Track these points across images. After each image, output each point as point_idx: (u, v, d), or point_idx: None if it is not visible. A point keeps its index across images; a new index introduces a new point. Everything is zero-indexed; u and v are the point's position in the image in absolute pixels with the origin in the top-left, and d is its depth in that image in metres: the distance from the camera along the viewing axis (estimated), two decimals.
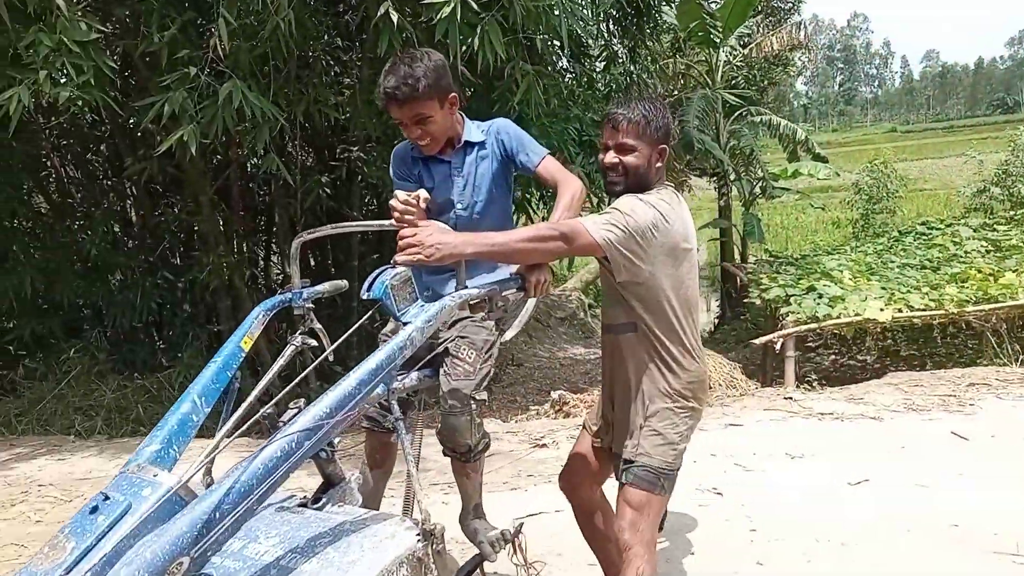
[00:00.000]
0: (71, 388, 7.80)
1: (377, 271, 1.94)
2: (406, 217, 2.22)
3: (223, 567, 1.69)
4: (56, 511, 4.55)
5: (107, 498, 1.55)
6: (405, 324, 1.86)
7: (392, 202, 2.30)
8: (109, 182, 8.32)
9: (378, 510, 2.39)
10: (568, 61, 8.26)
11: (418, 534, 1.70)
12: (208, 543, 1.48)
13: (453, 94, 2.54)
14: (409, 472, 1.80)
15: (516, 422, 7.02)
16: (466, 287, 2.02)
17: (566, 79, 8.29)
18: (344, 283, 2.49)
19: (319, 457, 1.92)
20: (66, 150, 8.14)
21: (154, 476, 1.59)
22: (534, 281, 2.29)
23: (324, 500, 1.95)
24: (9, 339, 8.33)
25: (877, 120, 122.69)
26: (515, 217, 5.31)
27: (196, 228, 7.96)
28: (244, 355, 2.07)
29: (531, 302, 2.58)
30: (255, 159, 7.43)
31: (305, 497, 1.99)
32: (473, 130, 2.68)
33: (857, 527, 3.87)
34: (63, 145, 8.11)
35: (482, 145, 2.67)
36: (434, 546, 1.73)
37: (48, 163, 8.10)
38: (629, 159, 2.39)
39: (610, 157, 2.42)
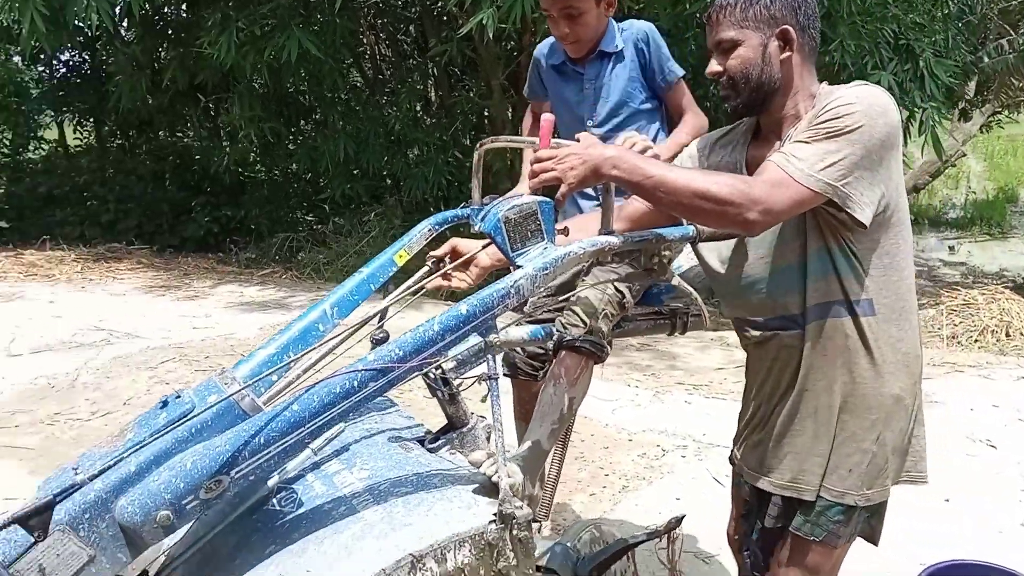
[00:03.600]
0: (369, 246, 8.58)
1: (496, 199, 1.67)
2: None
3: (309, 488, 1.63)
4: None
5: (178, 396, 1.54)
6: (517, 268, 1.59)
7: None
8: (414, 62, 8.76)
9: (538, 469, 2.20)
10: None
11: (495, 515, 1.49)
12: (250, 468, 1.41)
13: None
14: (495, 438, 1.58)
15: None
16: (611, 230, 1.67)
17: None
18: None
19: (439, 395, 1.77)
20: (380, 29, 8.66)
21: (227, 383, 1.55)
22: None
23: (441, 442, 1.81)
24: (323, 197, 9.36)
25: None
26: None
27: (487, 112, 8.14)
28: (396, 269, 1.93)
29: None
30: None
31: (429, 432, 1.86)
32: (614, 36, 2.33)
33: None
34: (378, 24, 8.62)
35: (619, 55, 2.34)
36: (514, 532, 1.51)
37: (364, 40, 8.68)
38: (732, 61, 1.70)
39: (711, 66, 1.75)
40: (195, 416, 1.46)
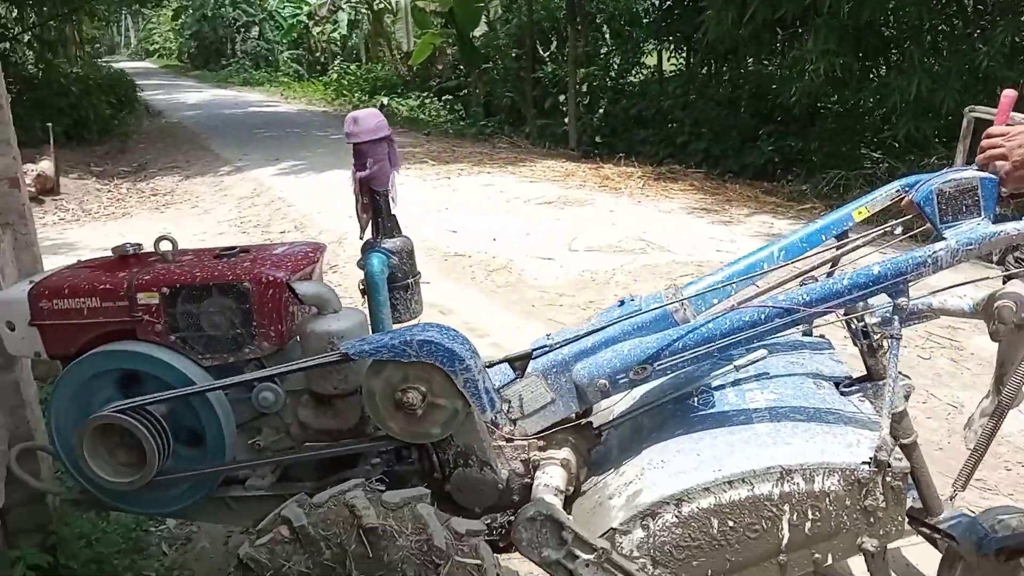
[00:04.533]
0: None
1: (935, 173, 1.63)
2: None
3: (724, 396, 1.95)
4: None
5: (632, 299, 1.97)
6: (943, 239, 1.57)
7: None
8: None
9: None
10: None
11: (871, 458, 1.60)
12: (668, 364, 1.77)
13: None
14: (888, 389, 1.62)
15: None
16: None
17: None
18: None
19: (859, 346, 1.88)
20: None
21: (669, 296, 1.91)
22: None
23: (855, 388, 1.93)
24: (887, 136, 8.90)
25: None
26: None
27: None
28: (851, 224, 2.05)
29: None
30: None
31: (849, 378, 2.00)
32: None
33: None
34: None
35: None
36: (887, 479, 1.60)
37: None
38: None
39: None
40: (638, 316, 1.87)
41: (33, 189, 8.03)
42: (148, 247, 2.17)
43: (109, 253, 2.16)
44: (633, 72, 13.90)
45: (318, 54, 24.84)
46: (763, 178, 9.78)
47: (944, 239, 1.62)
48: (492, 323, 4.63)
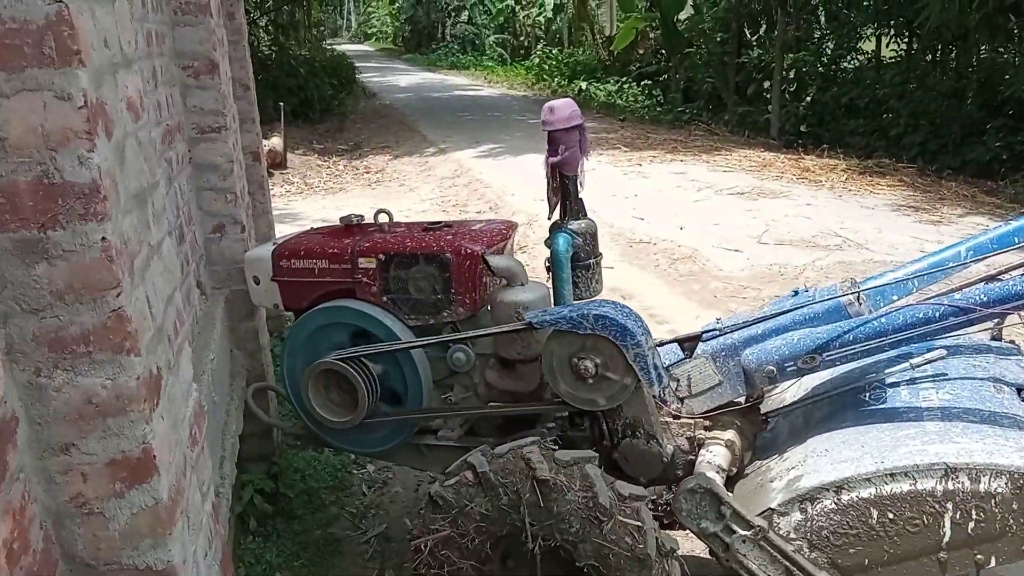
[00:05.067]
0: None
1: None
2: None
3: (897, 393, 1.96)
4: None
5: (807, 290, 2.01)
6: None
7: None
8: None
9: None
10: None
11: None
12: (837, 355, 1.82)
13: None
14: None
15: None
16: None
17: None
18: None
19: None
20: None
21: (844, 290, 1.94)
22: None
23: None
24: None
25: None
26: None
27: None
28: None
29: None
30: None
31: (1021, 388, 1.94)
32: None
33: None
34: None
35: None
36: None
37: None
38: None
39: None
40: (811, 306, 1.92)
41: (266, 163, 8.99)
42: (368, 219, 2.48)
43: (335, 222, 2.50)
44: (847, 58, 13.15)
45: (522, 38, 25.48)
46: (986, 177, 9.00)
47: None
48: (672, 311, 4.69)
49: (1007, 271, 1.89)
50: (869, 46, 13.19)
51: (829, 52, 13.20)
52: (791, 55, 12.57)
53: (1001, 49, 10.94)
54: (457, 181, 8.89)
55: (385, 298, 2.26)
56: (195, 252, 2.56)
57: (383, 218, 2.42)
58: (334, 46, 22.20)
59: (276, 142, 9.54)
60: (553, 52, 21.42)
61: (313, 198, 8.53)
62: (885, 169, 8.73)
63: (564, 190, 2.34)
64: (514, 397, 2.25)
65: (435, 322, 2.25)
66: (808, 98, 12.53)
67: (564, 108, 2.30)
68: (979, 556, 1.67)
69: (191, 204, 2.59)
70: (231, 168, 2.74)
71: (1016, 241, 1.94)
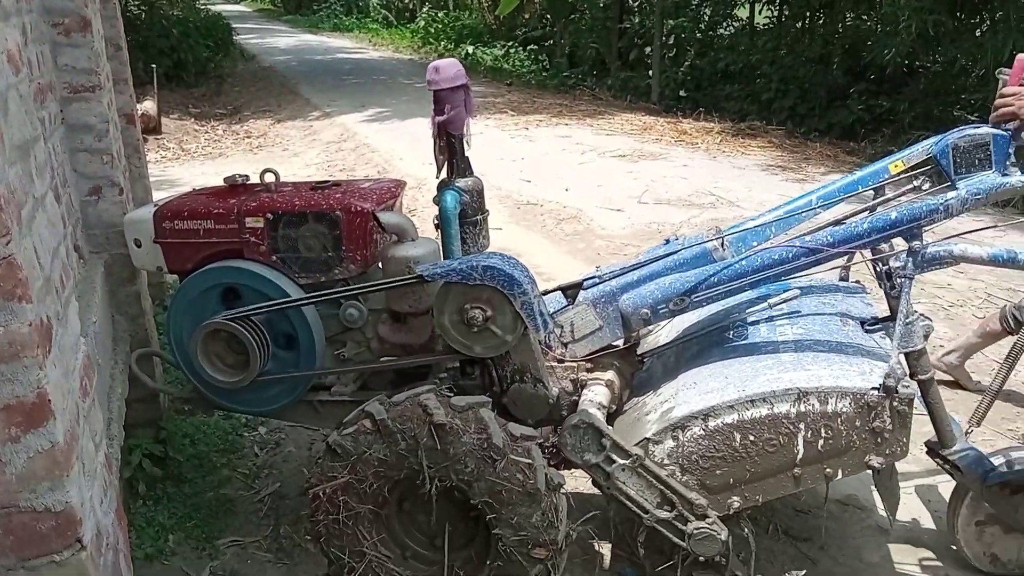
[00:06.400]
0: None
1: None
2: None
3: (757, 330, 2.15)
4: None
5: (677, 238, 2.17)
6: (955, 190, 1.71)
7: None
8: None
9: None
10: None
11: (880, 384, 1.79)
12: (704, 296, 1.98)
13: None
14: (899, 325, 1.78)
15: None
16: None
17: None
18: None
19: (884, 288, 2.05)
20: None
21: (710, 237, 2.11)
22: None
23: (878, 327, 2.10)
24: (981, 96, 8.61)
25: None
26: None
27: None
28: (888, 177, 2.18)
29: None
30: None
31: (875, 318, 2.17)
32: None
33: None
34: None
35: None
36: (894, 404, 1.78)
37: None
38: None
39: None
40: (680, 252, 2.08)
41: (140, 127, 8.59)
42: (254, 180, 2.47)
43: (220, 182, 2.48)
44: (723, 25, 13.62)
45: (407, 0, 25.05)
46: (848, 138, 9.59)
47: (957, 189, 1.77)
48: (558, 268, 4.85)
49: (851, 216, 2.09)
50: (744, 13, 13.66)
51: (706, 19, 13.63)
52: (671, 21, 12.91)
53: (864, 17, 11.57)
54: (344, 146, 8.77)
55: (275, 257, 2.27)
56: (71, 215, 2.49)
57: (269, 177, 2.42)
58: (209, 6, 21.19)
59: (149, 106, 9.10)
60: (439, 16, 21.17)
61: (191, 164, 8.24)
62: (756, 131, 9.18)
63: (451, 149, 2.40)
64: (406, 350, 2.32)
65: (326, 280, 2.29)
66: (686, 64, 12.94)
67: (449, 67, 2.35)
68: (828, 470, 1.87)
69: (65, 166, 2.51)
70: (107, 129, 2.65)
71: (859, 189, 2.14)
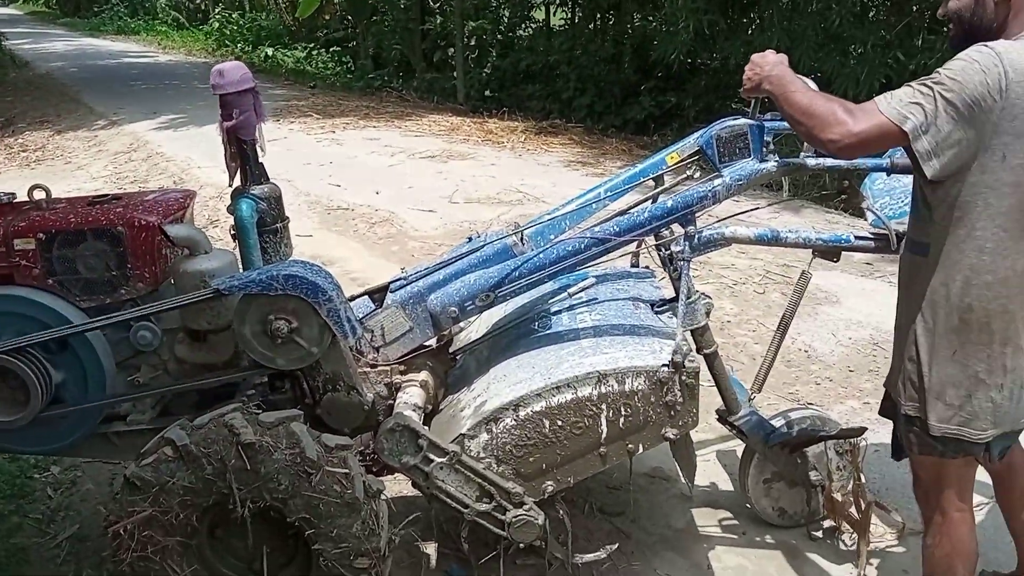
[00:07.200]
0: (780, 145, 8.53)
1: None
2: None
3: (559, 319, 2.25)
4: None
5: (479, 236, 2.22)
6: (719, 177, 1.90)
7: None
8: None
9: None
10: None
11: (669, 361, 1.92)
12: (508, 290, 2.04)
13: None
14: (681, 305, 1.95)
15: None
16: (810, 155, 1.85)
17: None
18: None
19: (668, 272, 2.21)
20: None
21: (506, 233, 2.18)
22: None
23: (666, 308, 2.26)
24: None
25: None
26: None
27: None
28: (666, 168, 2.32)
29: None
30: None
31: (663, 300, 2.32)
32: None
33: None
34: None
35: None
36: (682, 377, 1.93)
37: None
38: (952, 3, 1.71)
39: (939, 9, 1.77)
40: (482, 250, 2.13)
41: None
42: (22, 197, 2.26)
43: None
44: (522, 26, 14.02)
45: (199, 1, 23.78)
46: (642, 133, 10.19)
47: (722, 176, 1.95)
48: (373, 273, 4.80)
49: (635, 205, 2.23)
50: (540, 14, 14.12)
51: (506, 20, 13.97)
52: (471, 23, 13.10)
53: (650, 18, 12.30)
54: (134, 156, 8.20)
55: (51, 280, 2.09)
56: None
57: (39, 194, 2.22)
58: None
59: None
60: (234, 16, 20.26)
61: None
62: (558, 129, 9.55)
63: (243, 155, 2.31)
64: (209, 369, 2.21)
65: (112, 301, 2.13)
66: (489, 64, 13.20)
67: (234, 71, 2.26)
68: (630, 446, 1.99)
69: None
70: None
71: (641, 180, 2.29)
